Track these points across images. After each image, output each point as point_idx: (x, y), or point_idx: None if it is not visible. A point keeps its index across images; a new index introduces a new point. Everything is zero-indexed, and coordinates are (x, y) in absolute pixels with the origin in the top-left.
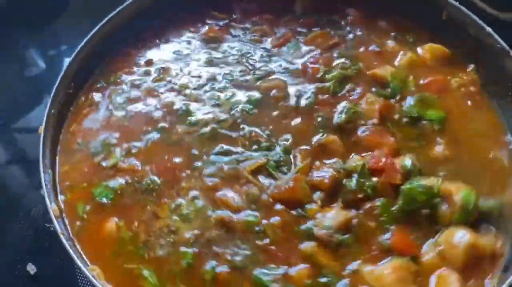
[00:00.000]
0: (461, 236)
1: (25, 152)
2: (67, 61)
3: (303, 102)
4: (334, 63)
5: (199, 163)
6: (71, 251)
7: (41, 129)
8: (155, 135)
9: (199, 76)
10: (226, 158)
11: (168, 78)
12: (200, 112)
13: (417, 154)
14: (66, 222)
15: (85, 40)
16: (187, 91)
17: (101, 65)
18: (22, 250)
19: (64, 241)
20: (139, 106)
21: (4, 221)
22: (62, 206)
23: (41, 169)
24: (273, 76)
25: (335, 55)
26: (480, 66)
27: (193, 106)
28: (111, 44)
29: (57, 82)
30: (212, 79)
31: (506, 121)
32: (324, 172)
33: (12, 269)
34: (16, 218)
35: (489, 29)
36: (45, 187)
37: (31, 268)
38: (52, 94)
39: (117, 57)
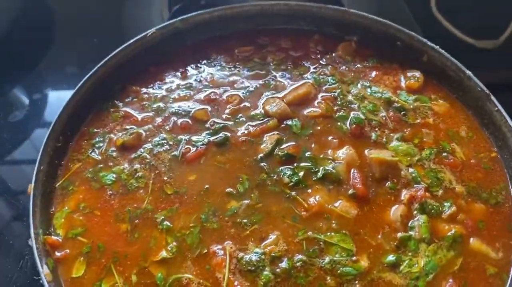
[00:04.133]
0: None
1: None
2: (53, 100)
3: None
4: None
5: None
6: None
7: (30, 188)
8: None
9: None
10: None
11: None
12: None
13: None
14: None
15: (72, 94)
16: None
17: (90, 116)
18: None
19: None
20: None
21: None
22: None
23: (32, 231)
24: None
25: None
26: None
27: None
28: (99, 95)
29: (45, 139)
30: None
31: None
32: None
33: None
34: (4, 271)
35: (469, 72)
36: (36, 250)
37: None
38: (40, 151)
39: (104, 109)
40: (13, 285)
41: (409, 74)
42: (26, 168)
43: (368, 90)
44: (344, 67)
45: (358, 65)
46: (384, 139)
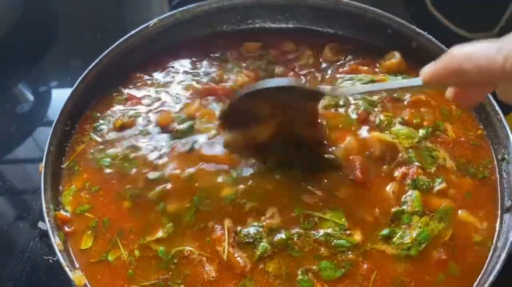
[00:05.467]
0: None
1: (12, 184)
2: (56, 96)
3: None
4: None
5: None
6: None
7: (41, 167)
8: None
9: None
10: None
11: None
12: None
13: None
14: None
15: (79, 80)
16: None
17: (94, 101)
18: (21, 283)
19: (70, 273)
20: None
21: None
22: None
23: (44, 206)
24: None
25: None
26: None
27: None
28: (103, 82)
29: (55, 122)
30: None
31: None
32: None
33: None
34: (13, 253)
35: None
36: (48, 222)
37: None
38: (50, 133)
39: (108, 95)
40: (24, 264)
41: (386, 56)
42: (30, 165)
43: (358, 83)
44: (331, 68)
45: (344, 62)
46: (385, 123)
